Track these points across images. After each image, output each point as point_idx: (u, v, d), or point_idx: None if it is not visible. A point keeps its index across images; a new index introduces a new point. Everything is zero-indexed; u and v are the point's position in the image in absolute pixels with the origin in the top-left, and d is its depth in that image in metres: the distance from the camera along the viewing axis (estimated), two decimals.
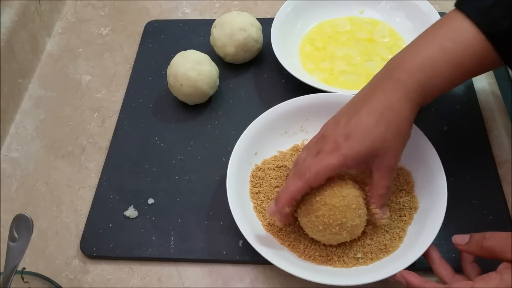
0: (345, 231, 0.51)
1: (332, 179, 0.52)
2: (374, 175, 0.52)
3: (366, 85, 0.54)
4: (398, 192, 0.59)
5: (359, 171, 0.59)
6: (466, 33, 0.49)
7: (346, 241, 0.54)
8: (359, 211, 0.52)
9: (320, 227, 0.51)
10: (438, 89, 0.51)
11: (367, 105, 0.51)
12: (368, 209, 0.53)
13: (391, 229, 0.56)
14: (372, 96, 0.51)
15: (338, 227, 0.51)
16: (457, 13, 0.50)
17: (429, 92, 0.51)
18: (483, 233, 0.48)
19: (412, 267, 0.50)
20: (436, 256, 0.51)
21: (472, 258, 0.50)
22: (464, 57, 0.49)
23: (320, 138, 0.53)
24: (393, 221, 0.56)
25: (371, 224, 0.57)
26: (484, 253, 0.47)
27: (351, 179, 0.55)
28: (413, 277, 0.48)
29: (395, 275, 0.50)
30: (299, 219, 0.54)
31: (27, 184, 0.67)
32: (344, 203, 0.51)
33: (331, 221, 0.51)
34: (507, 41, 0.47)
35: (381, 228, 0.56)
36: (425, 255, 0.51)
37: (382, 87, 0.51)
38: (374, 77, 0.54)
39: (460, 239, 0.49)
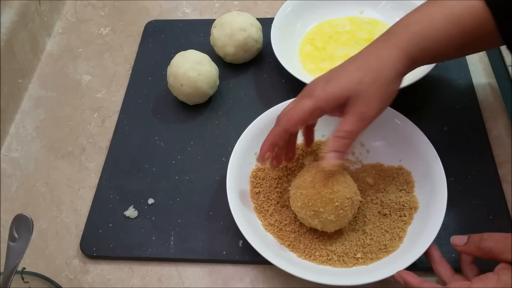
0: (317, 220, 0.52)
1: (338, 173, 0.52)
2: (346, 116, 0.49)
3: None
4: (398, 192, 0.59)
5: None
6: (473, 3, 0.48)
7: (344, 238, 0.55)
8: (340, 211, 0.52)
9: (299, 204, 0.53)
10: (435, 43, 0.49)
11: (355, 56, 0.51)
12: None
13: (391, 229, 0.56)
14: (364, 49, 0.51)
15: (312, 213, 0.52)
16: None
17: (425, 45, 0.49)
18: (481, 234, 0.48)
19: (412, 267, 0.50)
20: (436, 256, 0.51)
21: (471, 260, 0.50)
22: (463, 14, 0.48)
23: (304, 89, 0.52)
24: (393, 221, 0.56)
25: (371, 224, 0.57)
26: (482, 254, 0.47)
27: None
28: (411, 277, 0.48)
29: (393, 274, 0.50)
30: (290, 188, 0.55)
31: (27, 184, 0.67)
32: (329, 196, 0.51)
33: (310, 204, 0.52)
34: (504, 9, 0.47)
35: (381, 228, 0.56)
36: (426, 253, 0.52)
37: (375, 41, 0.51)
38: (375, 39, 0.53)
39: (458, 240, 0.49)
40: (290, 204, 0.56)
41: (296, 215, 0.58)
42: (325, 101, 0.49)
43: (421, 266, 0.53)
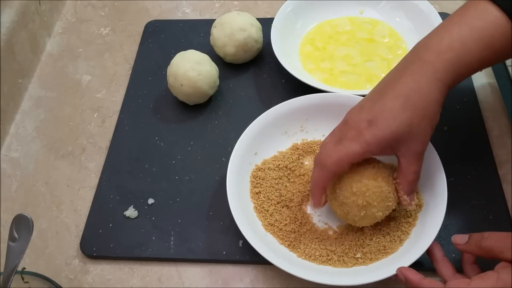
0: (364, 212, 0.52)
1: (369, 163, 0.52)
2: (401, 161, 0.51)
3: (393, 69, 0.52)
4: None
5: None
6: (493, 14, 0.48)
7: (344, 238, 0.56)
8: (386, 211, 0.52)
9: (354, 190, 0.51)
10: (468, 69, 0.49)
11: (393, 89, 0.50)
12: (396, 194, 0.53)
13: (393, 232, 0.55)
14: (399, 79, 0.50)
15: (364, 203, 0.51)
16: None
17: (459, 71, 0.49)
18: (482, 233, 0.48)
19: (414, 267, 0.50)
20: (439, 255, 0.51)
21: (472, 260, 0.50)
22: (494, 35, 0.48)
23: (343, 124, 0.52)
24: (398, 224, 0.56)
25: (374, 226, 0.57)
26: (482, 252, 0.47)
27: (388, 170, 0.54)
28: (412, 274, 0.48)
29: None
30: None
31: (27, 184, 0.67)
32: (388, 194, 0.52)
33: (367, 194, 0.51)
34: None
35: (382, 230, 0.56)
36: (429, 252, 0.52)
37: (408, 69, 0.50)
38: (401, 60, 0.52)
39: (459, 239, 0.50)
40: (336, 187, 0.53)
41: (296, 214, 0.58)
42: (377, 146, 0.49)
43: (422, 267, 0.53)
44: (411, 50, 0.52)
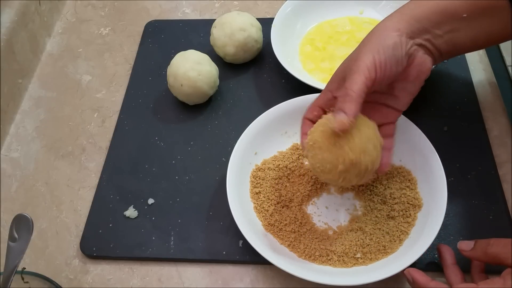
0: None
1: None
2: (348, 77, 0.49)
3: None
4: (401, 190, 0.58)
5: None
6: None
7: (344, 238, 0.55)
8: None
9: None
10: (426, 15, 0.50)
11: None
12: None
13: (392, 232, 0.56)
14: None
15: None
16: None
17: (419, 15, 0.50)
18: (488, 240, 0.48)
19: (413, 267, 0.50)
20: (450, 261, 0.51)
21: (481, 268, 0.50)
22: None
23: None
24: (398, 224, 0.56)
25: (373, 226, 0.57)
26: (488, 259, 0.47)
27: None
28: (419, 275, 0.48)
29: (403, 270, 0.50)
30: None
31: (27, 184, 0.67)
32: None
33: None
34: None
35: (382, 230, 0.56)
36: (440, 256, 0.52)
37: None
38: None
39: (465, 245, 0.49)
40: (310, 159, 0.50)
41: (296, 214, 0.58)
42: (331, 84, 0.53)
43: (421, 267, 0.53)
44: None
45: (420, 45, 0.51)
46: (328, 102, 0.54)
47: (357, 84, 0.47)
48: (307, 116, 0.55)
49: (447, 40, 0.52)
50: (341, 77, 0.52)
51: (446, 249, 0.52)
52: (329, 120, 0.48)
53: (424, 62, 0.52)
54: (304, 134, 0.53)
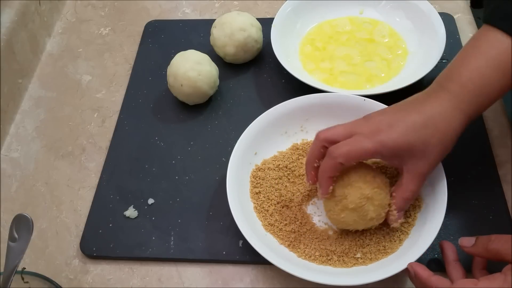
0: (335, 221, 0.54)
1: (366, 171, 0.52)
2: (404, 176, 0.51)
3: (415, 95, 0.53)
4: None
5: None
6: (505, 41, 0.49)
7: (344, 238, 0.55)
8: (358, 214, 0.52)
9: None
10: (489, 99, 0.51)
11: (417, 107, 0.51)
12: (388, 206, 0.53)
13: (392, 232, 0.55)
14: (423, 102, 0.51)
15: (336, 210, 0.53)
16: (489, 27, 0.51)
17: (481, 102, 0.51)
18: (489, 236, 0.48)
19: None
20: (451, 257, 0.51)
21: (482, 265, 0.50)
22: (510, 62, 0.49)
23: (363, 120, 0.52)
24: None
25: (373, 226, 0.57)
26: (489, 255, 0.47)
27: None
28: (421, 270, 0.48)
29: (403, 270, 0.50)
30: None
31: (27, 184, 0.67)
32: (346, 202, 0.51)
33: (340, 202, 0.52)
34: None
35: (382, 230, 0.56)
36: (442, 252, 0.52)
37: (433, 95, 0.51)
38: (424, 90, 0.53)
39: (466, 242, 0.49)
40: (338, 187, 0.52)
41: (296, 214, 0.58)
42: (389, 150, 0.50)
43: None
44: (433, 82, 0.53)
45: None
46: (367, 156, 0.52)
47: (419, 189, 0.52)
48: (344, 162, 0.50)
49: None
50: (399, 153, 0.50)
51: (448, 246, 0.52)
52: (393, 216, 0.52)
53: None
54: (330, 177, 0.52)
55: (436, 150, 0.50)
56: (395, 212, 0.52)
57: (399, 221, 0.53)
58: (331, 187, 0.52)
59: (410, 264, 0.49)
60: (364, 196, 0.51)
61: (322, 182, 0.52)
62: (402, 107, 0.52)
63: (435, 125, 0.49)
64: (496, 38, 0.50)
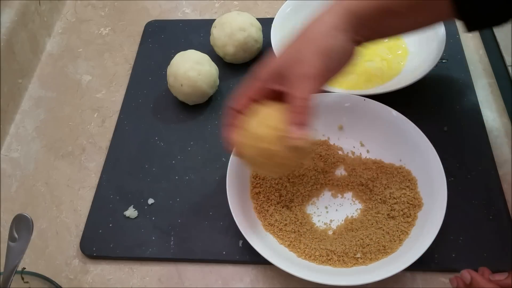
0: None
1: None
2: (290, 91, 0.48)
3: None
4: (401, 190, 0.58)
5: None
6: None
7: (344, 238, 0.55)
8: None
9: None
10: (365, 12, 0.49)
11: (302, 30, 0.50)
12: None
13: (393, 231, 0.56)
14: (308, 23, 0.51)
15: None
16: None
17: (362, 13, 0.49)
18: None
19: (413, 267, 0.50)
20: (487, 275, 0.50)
21: None
22: None
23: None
24: (398, 223, 0.56)
25: (373, 226, 0.57)
26: None
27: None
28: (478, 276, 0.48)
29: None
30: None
31: (27, 184, 0.67)
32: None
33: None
34: None
35: (382, 230, 0.56)
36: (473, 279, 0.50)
37: (319, 15, 0.50)
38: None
39: (498, 276, 0.49)
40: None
41: (296, 214, 0.58)
42: (266, 73, 0.50)
43: (422, 267, 0.53)
44: None
45: (355, 40, 0.50)
46: (259, 92, 0.51)
47: (309, 93, 0.47)
48: (235, 106, 0.51)
49: (378, 33, 0.52)
50: (278, 71, 0.49)
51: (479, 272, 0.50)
52: (289, 134, 0.47)
53: (353, 54, 0.51)
54: (230, 125, 0.51)
55: (309, 51, 0.48)
56: (294, 128, 0.47)
57: (301, 137, 0.47)
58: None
59: (466, 270, 0.49)
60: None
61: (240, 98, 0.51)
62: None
63: (305, 36, 0.49)
64: None
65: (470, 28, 0.48)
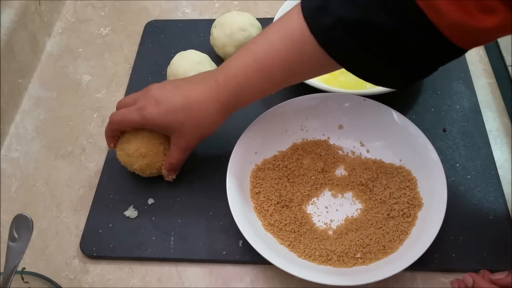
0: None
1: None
2: (171, 146, 0.59)
3: (200, 73, 0.60)
4: (401, 190, 0.58)
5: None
6: (275, 45, 0.52)
7: (344, 238, 0.54)
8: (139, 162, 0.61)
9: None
10: (249, 97, 0.56)
11: (186, 90, 0.56)
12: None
13: (392, 231, 0.56)
14: (194, 86, 0.57)
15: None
16: (275, 26, 0.54)
17: (241, 98, 0.56)
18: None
19: (413, 267, 0.50)
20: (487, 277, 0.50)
21: None
22: (274, 67, 0.53)
23: (143, 91, 0.59)
24: (398, 223, 0.56)
25: (373, 226, 0.57)
26: None
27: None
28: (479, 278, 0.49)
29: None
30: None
31: (27, 184, 0.67)
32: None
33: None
34: (329, 34, 0.48)
35: (382, 229, 0.56)
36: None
37: (204, 82, 0.56)
38: (208, 71, 0.59)
39: (498, 275, 0.49)
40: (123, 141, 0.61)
41: (296, 214, 0.58)
42: (152, 125, 0.57)
43: (420, 266, 0.53)
44: (218, 67, 0.58)
45: (227, 115, 0.58)
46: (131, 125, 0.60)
47: (177, 160, 0.60)
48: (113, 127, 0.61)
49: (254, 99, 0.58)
50: (164, 130, 0.59)
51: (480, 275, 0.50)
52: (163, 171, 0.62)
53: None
54: (110, 137, 0.62)
55: (191, 130, 0.57)
56: (165, 172, 0.61)
57: (170, 177, 0.62)
58: (112, 144, 0.62)
59: (469, 274, 0.49)
60: (138, 151, 0.59)
61: (107, 139, 0.62)
62: (178, 83, 0.58)
63: (193, 112, 0.55)
64: (268, 40, 0.53)
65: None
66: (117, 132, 0.61)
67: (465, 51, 0.46)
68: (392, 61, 0.48)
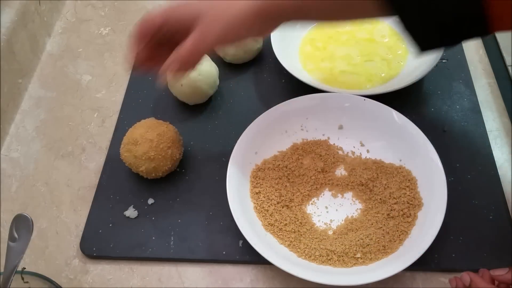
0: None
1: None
2: (189, 36, 0.51)
3: None
4: (401, 190, 0.58)
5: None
6: None
7: (344, 238, 0.54)
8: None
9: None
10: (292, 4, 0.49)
11: None
12: None
13: (392, 231, 0.56)
14: None
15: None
16: None
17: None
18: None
19: (413, 267, 0.50)
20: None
21: None
22: None
23: None
24: (398, 223, 0.56)
25: (373, 226, 0.57)
26: None
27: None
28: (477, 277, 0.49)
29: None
30: None
31: (27, 184, 0.67)
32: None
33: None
34: None
35: (382, 229, 0.56)
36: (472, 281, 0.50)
37: None
38: None
39: (499, 271, 0.49)
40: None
41: (296, 214, 0.58)
42: (174, 11, 0.51)
43: (420, 266, 0.53)
44: None
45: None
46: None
47: (191, 50, 0.50)
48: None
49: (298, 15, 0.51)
50: (185, 15, 0.51)
51: (481, 273, 0.50)
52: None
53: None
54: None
55: (216, 15, 0.50)
56: (168, 61, 0.51)
57: (170, 69, 0.51)
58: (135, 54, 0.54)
59: (467, 272, 0.49)
60: (147, 154, 0.59)
61: (131, 47, 0.54)
62: None
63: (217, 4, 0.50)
64: None
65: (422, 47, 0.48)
66: (144, 36, 0.53)
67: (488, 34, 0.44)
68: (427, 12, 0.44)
